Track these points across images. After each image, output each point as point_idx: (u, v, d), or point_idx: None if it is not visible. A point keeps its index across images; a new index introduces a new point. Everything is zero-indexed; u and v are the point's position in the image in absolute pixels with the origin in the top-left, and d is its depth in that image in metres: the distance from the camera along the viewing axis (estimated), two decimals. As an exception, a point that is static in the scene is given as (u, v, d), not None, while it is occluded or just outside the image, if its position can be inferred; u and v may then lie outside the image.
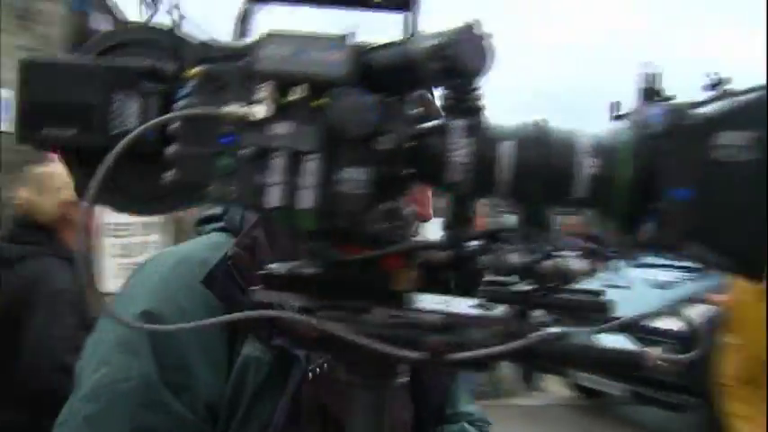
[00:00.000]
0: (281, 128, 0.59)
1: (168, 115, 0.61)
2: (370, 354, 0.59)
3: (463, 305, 0.63)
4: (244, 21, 0.67)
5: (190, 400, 0.83)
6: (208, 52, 0.64)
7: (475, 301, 0.62)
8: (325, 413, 0.89)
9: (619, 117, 0.60)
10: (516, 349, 0.56)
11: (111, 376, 0.82)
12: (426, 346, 0.58)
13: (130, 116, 0.68)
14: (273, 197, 0.58)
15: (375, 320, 0.62)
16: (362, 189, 0.57)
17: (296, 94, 0.60)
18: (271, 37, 0.60)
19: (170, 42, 0.69)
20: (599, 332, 0.58)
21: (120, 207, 0.72)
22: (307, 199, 0.57)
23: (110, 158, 0.59)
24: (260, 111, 0.59)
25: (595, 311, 0.58)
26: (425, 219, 0.95)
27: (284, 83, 0.60)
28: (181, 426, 0.83)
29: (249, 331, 0.87)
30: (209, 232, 0.99)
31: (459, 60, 0.56)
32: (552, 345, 0.57)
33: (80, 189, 0.67)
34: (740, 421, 2.45)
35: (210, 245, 0.93)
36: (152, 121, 0.62)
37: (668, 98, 0.59)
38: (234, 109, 0.59)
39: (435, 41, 0.56)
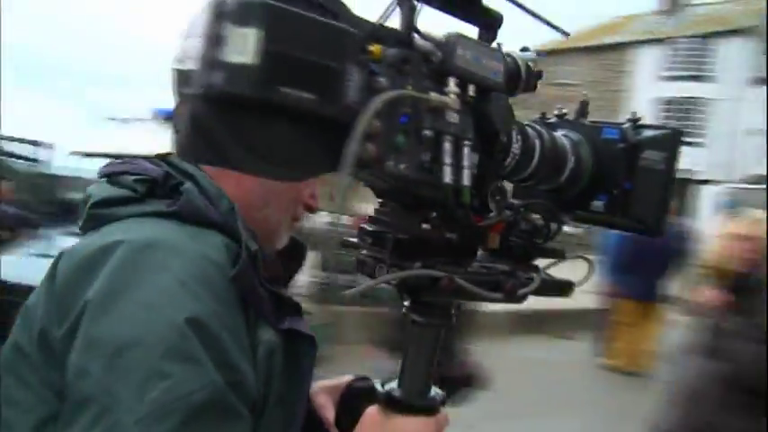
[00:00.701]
0: (452, 117, 0.71)
1: (395, 93, 0.65)
2: (468, 295, 0.77)
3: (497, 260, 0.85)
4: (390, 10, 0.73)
5: (244, 399, 0.78)
6: (380, 33, 0.69)
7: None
8: None
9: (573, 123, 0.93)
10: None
11: (177, 390, 0.72)
12: (504, 288, 0.79)
13: (355, 87, 0.67)
14: (446, 175, 0.70)
15: (475, 270, 0.81)
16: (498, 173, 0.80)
17: (465, 90, 0.74)
18: (458, 38, 0.72)
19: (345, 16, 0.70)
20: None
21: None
22: (467, 178, 0.72)
23: (357, 132, 0.61)
24: (453, 101, 0.71)
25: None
26: (315, 210, 0.98)
27: (463, 79, 0.73)
28: (247, 428, 0.79)
29: (262, 317, 0.84)
30: (133, 216, 0.86)
31: None
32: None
33: (317, 159, 0.71)
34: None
35: (188, 235, 0.82)
36: (385, 96, 0.64)
37: (619, 123, 0.91)
38: (439, 96, 0.70)
39: None
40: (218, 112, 0.70)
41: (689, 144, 22.56)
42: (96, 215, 0.89)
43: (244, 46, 0.62)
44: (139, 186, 0.87)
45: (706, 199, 18.80)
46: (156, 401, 0.70)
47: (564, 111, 0.91)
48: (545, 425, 5.97)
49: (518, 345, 8.34)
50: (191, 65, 0.70)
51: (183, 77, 0.72)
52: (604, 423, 6.29)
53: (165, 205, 0.84)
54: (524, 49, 0.82)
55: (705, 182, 21.85)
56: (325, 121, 0.66)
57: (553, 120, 0.91)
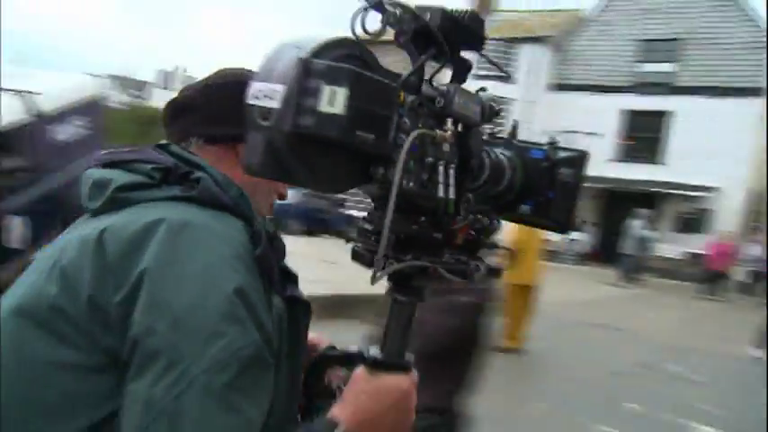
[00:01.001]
0: (446, 147, 0.96)
1: (418, 132, 0.90)
2: (445, 279, 1.04)
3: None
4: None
5: (271, 354, 0.98)
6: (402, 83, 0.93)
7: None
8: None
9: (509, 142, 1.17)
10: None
11: (232, 347, 0.90)
12: (467, 273, 1.06)
13: (394, 128, 0.89)
14: (440, 191, 0.95)
15: (447, 260, 1.05)
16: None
17: (456, 127, 1.01)
18: (455, 88, 0.97)
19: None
20: None
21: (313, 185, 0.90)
22: (452, 193, 0.97)
23: (401, 161, 0.87)
24: (449, 136, 0.97)
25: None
26: (285, 197, 1.30)
27: (456, 119, 1.00)
28: (272, 377, 1.00)
29: (275, 286, 1.05)
30: (143, 202, 1.03)
31: None
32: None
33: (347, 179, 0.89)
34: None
35: (210, 217, 1.01)
36: (414, 135, 0.89)
37: (542, 144, 1.17)
38: (442, 133, 0.96)
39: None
40: (293, 143, 0.83)
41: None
42: (119, 198, 1.04)
43: (334, 100, 0.81)
44: (156, 174, 1.05)
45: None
46: (216, 356, 0.89)
47: (497, 130, 1.19)
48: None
49: (335, 330, 8.51)
50: (270, 104, 0.84)
51: (260, 112, 0.85)
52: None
53: (180, 191, 1.04)
54: (482, 89, 1.07)
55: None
56: (367, 153, 0.87)
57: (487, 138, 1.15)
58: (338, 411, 1.01)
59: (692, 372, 8.42)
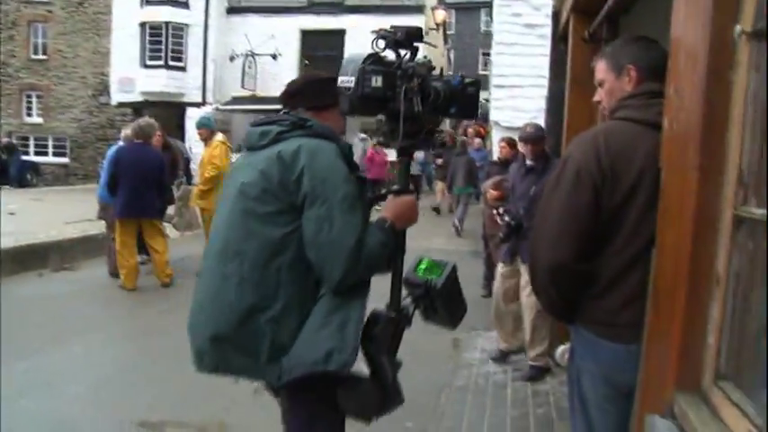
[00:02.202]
0: (415, 90, 2.29)
1: (404, 87, 2.27)
2: None
3: None
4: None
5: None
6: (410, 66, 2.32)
7: None
8: None
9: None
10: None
11: (349, 191, 2.27)
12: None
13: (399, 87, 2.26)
14: (415, 108, 2.28)
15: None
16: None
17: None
18: (415, 66, 2.34)
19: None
20: None
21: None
22: (419, 107, 2.28)
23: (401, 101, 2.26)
24: (416, 85, 2.29)
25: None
26: (344, 132, 2.65)
27: (418, 76, 2.31)
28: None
29: (352, 169, 2.38)
30: (282, 139, 2.36)
31: None
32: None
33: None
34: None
35: (321, 141, 2.35)
36: (402, 89, 2.27)
37: (453, 77, 2.48)
38: (412, 84, 2.28)
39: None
40: (359, 100, 2.21)
41: (173, 68, 23.17)
42: (279, 138, 2.35)
43: (372, 81, 2.24)
44: (291, 125, 2.39)
45: (191, 120, 19.70)
46: (342, 194, 2.23)
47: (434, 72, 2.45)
48: (70, 352, 5.80)
49: (8, 284, 7.82)
50: (348, 84, 2.22)
51: (345, 88, 2.22)
52: (129, 339, 6.41)
53: (303, 132, 2.37)
54: (426, 58, 2.41)
55: (198, 104, 22.79)
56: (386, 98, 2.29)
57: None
58: (383, 214, 2.38)
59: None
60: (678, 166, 1.84)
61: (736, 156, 1.64)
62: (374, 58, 2.22)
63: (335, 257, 2.18)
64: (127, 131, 8.52)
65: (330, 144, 2.32)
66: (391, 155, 3.88)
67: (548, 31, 7.39)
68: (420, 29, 2.35)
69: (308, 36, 23.99)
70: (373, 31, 2.28)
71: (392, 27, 2.29)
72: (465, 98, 2.41)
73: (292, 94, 2.52)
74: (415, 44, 2.30)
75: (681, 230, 1.79)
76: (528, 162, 5.42)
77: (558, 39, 6.25)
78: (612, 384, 2.21)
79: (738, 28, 1.59)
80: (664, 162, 1.96)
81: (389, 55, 2.28)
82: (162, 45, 23.22)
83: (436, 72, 2.41)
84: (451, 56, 35.87)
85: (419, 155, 16.04)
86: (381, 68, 2.21)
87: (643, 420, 1.93)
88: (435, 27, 24.87)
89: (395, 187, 2.44)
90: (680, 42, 1.90)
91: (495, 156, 9.19)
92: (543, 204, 2.29)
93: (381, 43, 2.26)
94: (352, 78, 2.18)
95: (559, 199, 2.16)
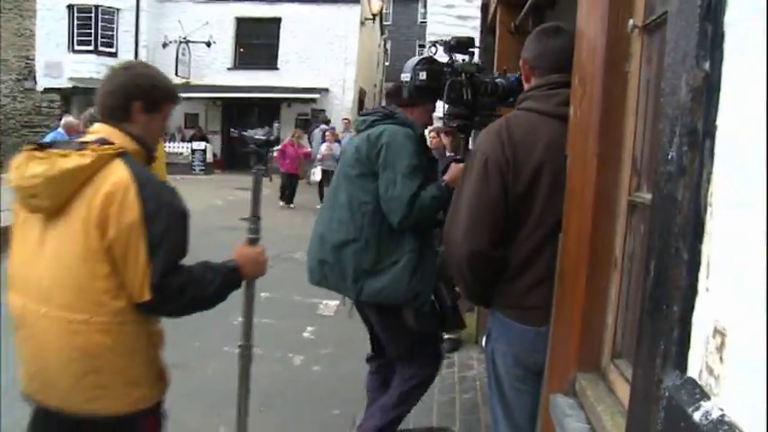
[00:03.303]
0: (464, 83, 3.13)
1: (449, 80, 3.08)
2: None
3: None
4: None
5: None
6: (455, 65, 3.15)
7: None
8: None
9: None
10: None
11: (412, 161, 3.19)
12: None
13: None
14: (464, 96, 3.12)
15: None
16: None
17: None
18: (465, 64, 3.20)
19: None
20: None
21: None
22: (470, 96, 3.17)
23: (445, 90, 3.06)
24: (464, 79, 3.11)
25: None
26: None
27: (466, 72, 3.17)
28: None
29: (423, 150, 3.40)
30: (375, 125, 3.34)
31: None
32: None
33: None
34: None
35: (402, 128, 3.28)
36: (448, 82, 3.08)
37: (498, 75, 3.33)
38: (460, 78, 3.09)
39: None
40: (414, 90, 3.11)
41: (103, 54, 22.49)
42: (372, 124, 3.37)
43: (424, 76, 3.07)
44: (382, 115, 3.40)
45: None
46: (407, 165, 3.17)
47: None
48: None
49: None
50: (407, 78, 3.11)
51: (405, 82, 3.13)
52: None
53: (391, 121, 3.34)
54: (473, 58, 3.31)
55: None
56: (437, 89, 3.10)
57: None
58: (444, 178, 3.32)
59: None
60: (581, 153, 1.91)
61: (631, 144, 1.72)
62: (425, 59, 3.09)
63: (396, 208, 3.14)
64: (69, 119, 8.18)
65: (406, 130, 3.27)
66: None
67: (479, 23, 7.49)
68: (471, 39, 3.27)
69: (243, 24, 23.60)
70: (431, 42, 3.33)
71: (452, 37, 3.19)
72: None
73: (388, 94, 3.69)
74: (470, 49, 3.19)
75: (583, 215, 1.87)
76: (448, 153, 5.70)
77: (487, 30, 6.35)
78: (524, 365, 2.28)
79: (631, 22, 1.66)
80: (569, 149, 2.03)
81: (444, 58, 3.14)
82: (91, 29, 22.51)
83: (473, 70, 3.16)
84: (388, 46, 35.90)
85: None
86: (427, 66, 3.03)
87: (549, 400, 2.01)
88: (371, 17, 24.84)
89: (457, 156, 3.70)
90: (582, 35, 1.97)
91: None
92: (455, 195, 2.34)
93: (434, 49, 3.19)
94: (408, 74, 3.08)
95: (470, 188, 2.22)
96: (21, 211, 2.11)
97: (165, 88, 2.22)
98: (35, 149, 2.03)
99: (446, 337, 5.47)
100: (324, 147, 15.59)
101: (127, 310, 2.01)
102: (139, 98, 2.11)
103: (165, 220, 1.99)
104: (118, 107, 2.11)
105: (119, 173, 1.98)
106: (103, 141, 2.04)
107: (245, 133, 2.43)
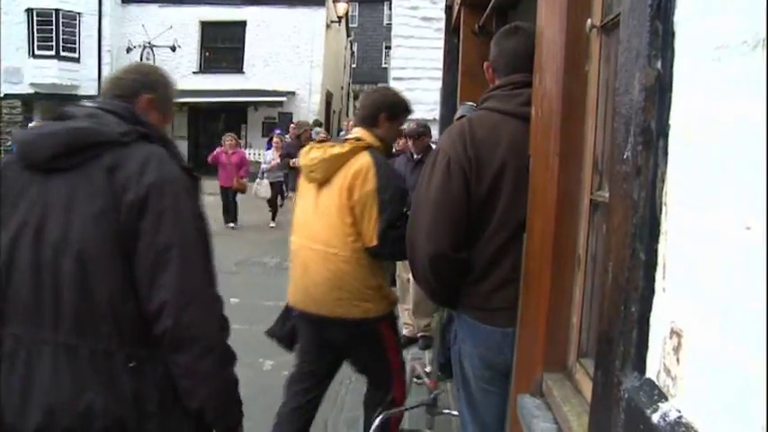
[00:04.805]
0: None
1: None
2: None
3: None
4: None
5: None
6: None
7: None
8: None
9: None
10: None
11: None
12: None
13: None
14: None
15: None
16: None
17: None
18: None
19: None
20: None
21: None
22: None
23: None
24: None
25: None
26: None
27: None
28: None
29: None
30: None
31: None
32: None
33: None
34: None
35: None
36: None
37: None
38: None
39: None
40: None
41: (65, 59, 22.13)
42: None
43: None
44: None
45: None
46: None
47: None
48: None
49: None
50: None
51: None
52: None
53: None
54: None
55: (94, 98, 21.79)
56: None
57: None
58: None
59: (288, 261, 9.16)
60: (543, 153, 1.91)
61: (592, 143, 1.72)
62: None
63: None
64: (38, 123, 8.07)
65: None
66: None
67: (444, 24, 7.50)
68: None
69: (207, 27, 23.35)
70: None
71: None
72: None
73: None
74: None
75: (546, 215, 1.87)
76: (415, 156, 5.83)
77: (451, 31, 6.36)
78: (491, 366, 2.28)
79: (589, 22, 1.67)
80: (531, 149, 2.03)
81: None
82: (52, 34, 22.10)
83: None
84: (355, 48, 35.88)
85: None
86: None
87: (516, 400, 2.01)
88: (337, 20, 24.78)
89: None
90: (542, 35, 1.98)
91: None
92: (418, 195, 2.32)
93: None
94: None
95: (433, 189, 2.21)
96: (303, 183, 3.15)
97: (402, 103, 3.19)
98: (317, 143, 3.29)
99: (420, 334, 5.51)
100: (269, 154, 13.30)
101: (361, 250, 2.93)
102: (384, 110, 3.08)
103: (390, 193, 2.90)
104: (369, 116, 3.10)
105: (365, 159, 2.94)
106: (358, 139, 3.03)
107: None
